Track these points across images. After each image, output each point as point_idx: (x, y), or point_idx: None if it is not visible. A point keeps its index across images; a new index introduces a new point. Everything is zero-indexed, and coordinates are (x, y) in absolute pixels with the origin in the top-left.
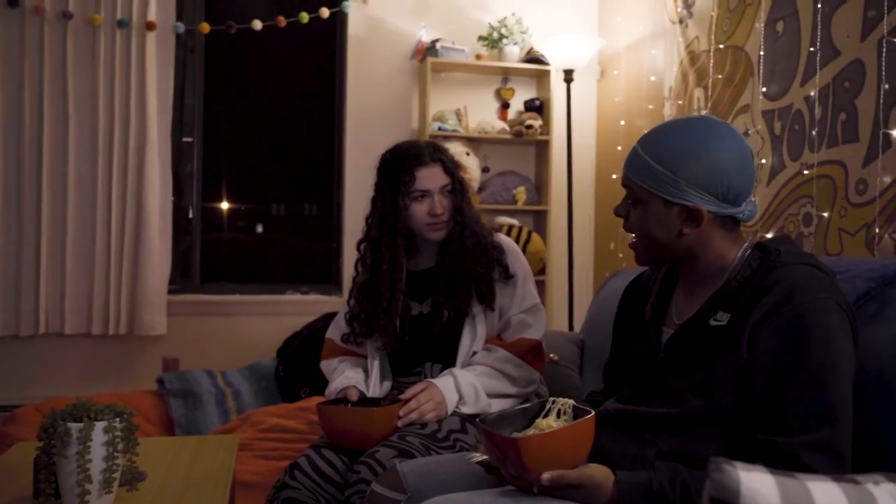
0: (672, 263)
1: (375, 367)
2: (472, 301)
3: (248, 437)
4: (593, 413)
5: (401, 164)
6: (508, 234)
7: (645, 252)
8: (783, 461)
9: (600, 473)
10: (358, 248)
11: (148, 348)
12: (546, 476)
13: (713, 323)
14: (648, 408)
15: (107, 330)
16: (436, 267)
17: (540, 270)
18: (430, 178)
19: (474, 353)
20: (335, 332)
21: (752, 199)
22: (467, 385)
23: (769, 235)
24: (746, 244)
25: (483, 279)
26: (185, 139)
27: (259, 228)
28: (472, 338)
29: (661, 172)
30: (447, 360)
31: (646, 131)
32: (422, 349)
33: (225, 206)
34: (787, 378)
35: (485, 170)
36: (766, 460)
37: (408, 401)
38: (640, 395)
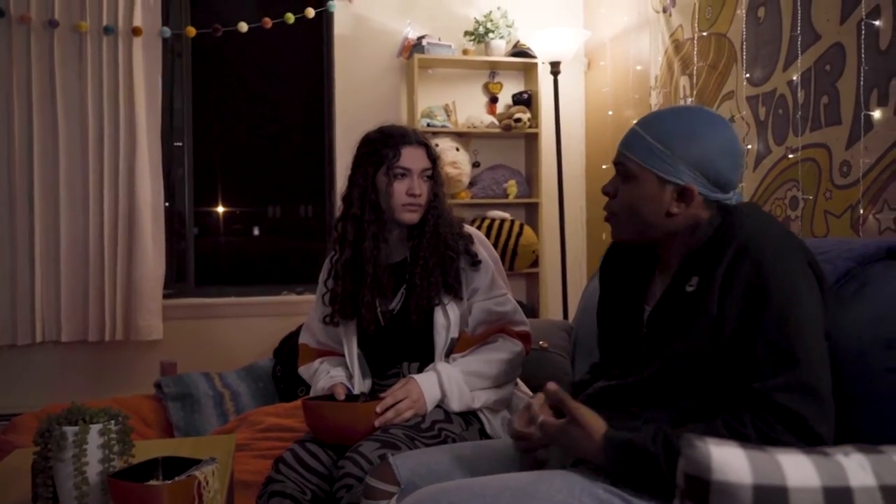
0: (651, 243)
1: (356, 363)
2: (441, 290)
3: (247, 436)
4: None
5: (386, 140)
6: (500, 227)
7: (625, 228)
8: (760, 405)
9: (595, 422)
10: (335, 228)
11: (145, 353)
12: (552, 386)
13: (688, 289)
14: (632, 383)
15: (103, 336)
16: (404, 259)
17: (532, 263)
18: (414, 157)
19: (452, 341)
20: (308, 337)
21: (737, 191)
22: (451, 382)
23: None
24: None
25: (451, 268)
26: (175, 143)
27: (256, 231)
28: (446, 325)
29: (660, 150)
30: (424, 357)
31: (639, 118)
32: (398, 348)
33: (220, 209)
34: (753, 324)
35: (475, 164)
36: (745, 407)
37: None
38: (626, 372)
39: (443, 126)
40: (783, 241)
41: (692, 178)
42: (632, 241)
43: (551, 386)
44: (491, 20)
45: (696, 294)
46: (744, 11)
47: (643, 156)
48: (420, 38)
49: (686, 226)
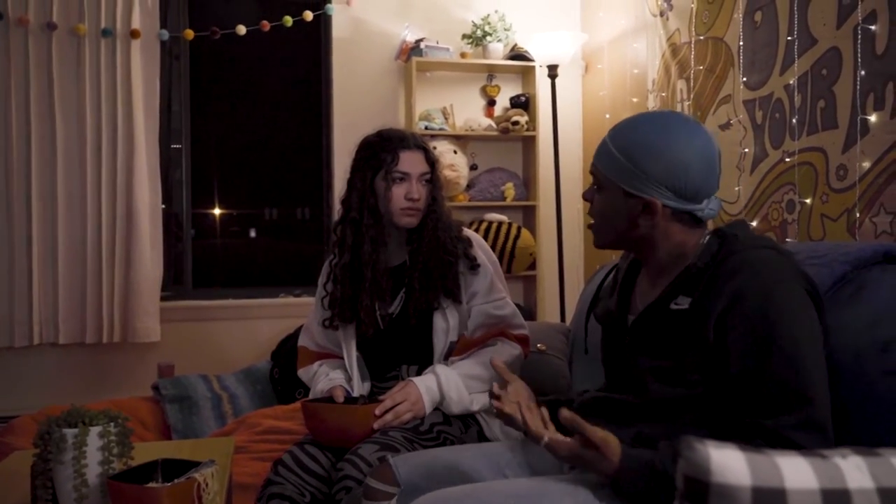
0: (630, 250)
1: (355, 366)
2: (440, 294)
3: (245, 439)
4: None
5: (385, 144)
6: (498, 230)
7: (602, 235)
8: (775, 441)
9: (613, 441)
10: (334, 231)
11: (143, 355)
12: (567, 414)
13: (674, 307)
14: (622, 395)
15: (101, 338)
16: (404, 263)
17: (530, 266)
18: (412, 162)
19: (451, 345)
20: (307, 339)
21: (716, 197)
22: (449, 385)
23: (755, 224)
24: (707, 232)
25: (450, 272)
26: (173, 146)
27: (252, 233)
28: (445, 329)
29: (624, 164)
30: (423, 360)
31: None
32: (396, 351)
33: (217, 211)
34: (762, 362)
35: (473, 167)
36: (759, 438)
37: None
38: (615, 384)
39: (440, 129)
40: (786, 275)
41: (657, 192)
42: (610, 247)
43: (566, 413)
44: (489, 23)
45: (685, 314)
46: (741, 15)
47: (608, 168)
48: (418, 41)
49: (660, 235)
